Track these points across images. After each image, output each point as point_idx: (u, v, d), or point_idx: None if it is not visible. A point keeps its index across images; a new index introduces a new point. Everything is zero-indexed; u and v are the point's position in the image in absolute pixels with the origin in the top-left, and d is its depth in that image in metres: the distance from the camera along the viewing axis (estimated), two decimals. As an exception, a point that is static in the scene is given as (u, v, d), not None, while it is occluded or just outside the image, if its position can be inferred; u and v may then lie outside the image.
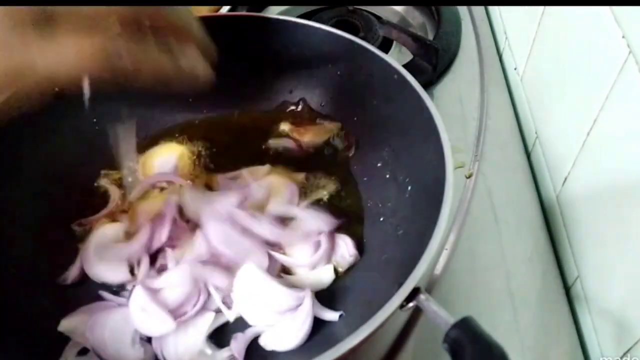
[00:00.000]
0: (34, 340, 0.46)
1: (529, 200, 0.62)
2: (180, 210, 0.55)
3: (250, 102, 0.67)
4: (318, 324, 0.47)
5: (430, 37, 0.82)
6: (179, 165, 0.61)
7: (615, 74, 0.45)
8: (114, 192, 0.58)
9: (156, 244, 0.52)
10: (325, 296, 0.49)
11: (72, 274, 0.52)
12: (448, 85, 0.76)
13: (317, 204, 0.57)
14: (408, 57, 0.77)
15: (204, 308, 0.48)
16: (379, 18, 0.84)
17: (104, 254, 0.52)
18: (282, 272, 0.52)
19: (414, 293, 0.36)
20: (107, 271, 0.51)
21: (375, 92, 0.58)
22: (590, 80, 0.51)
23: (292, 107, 0.66)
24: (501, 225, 0.60)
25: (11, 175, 0.54)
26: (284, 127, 0.64)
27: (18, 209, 0.53)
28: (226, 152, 0.63)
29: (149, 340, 0.47)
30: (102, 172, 0.60)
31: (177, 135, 0.65)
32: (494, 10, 0.87)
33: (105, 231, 0.54)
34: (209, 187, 0.58)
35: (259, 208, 0.55)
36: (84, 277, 0.52)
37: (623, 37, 0.44)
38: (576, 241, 0.55)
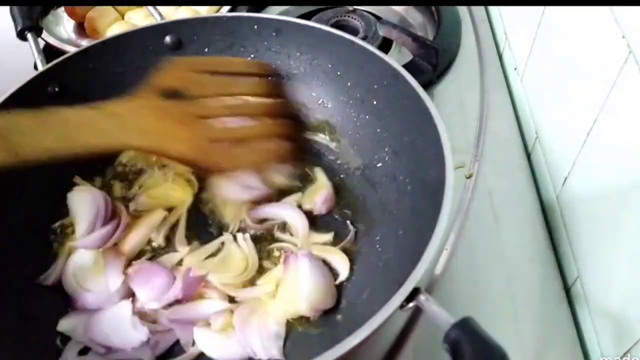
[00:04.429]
0: (33, 340, 0.46)
1: (529, 200, 0.62)
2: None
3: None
4: (319, 323, 0.47)
5: (430, 37, 0.82)
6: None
7: (615, 74, 0.45)
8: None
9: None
10: (325, 296, 0.49)
11: (53, 276, 0.52)
12: (448, 85, 0.76)
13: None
14: (408, 57, 0.77)
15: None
16: (379, 18, 0.84)
17: (83, 283, 0.51)
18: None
19: (414, 293, 0.36)
20: (89, 298, 0.50)
21: (375, 92, 0.58)
22: (590, 80, 0.51)
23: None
24: (501, 226, 0.60)
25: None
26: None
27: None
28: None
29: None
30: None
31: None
32: (494, 10, 0.87)
33: (83, 257, 0.53)
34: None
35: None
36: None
37: (623, 37, 0.44)
38: (576, 241, 0.55)
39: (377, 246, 0.52)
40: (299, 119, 0.56)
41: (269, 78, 0.54)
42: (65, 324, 0.48)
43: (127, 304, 0.49)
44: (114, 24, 0.88)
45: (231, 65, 0.54)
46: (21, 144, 0.39)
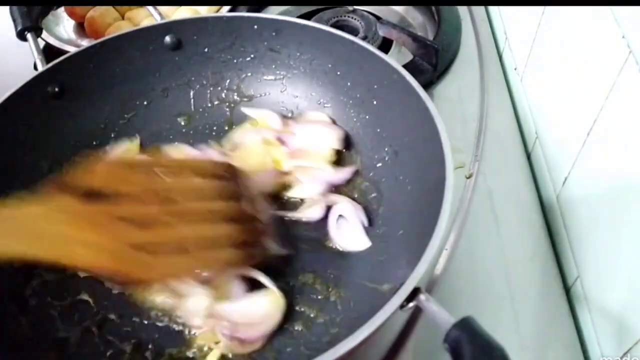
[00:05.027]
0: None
1: (529, 200, 0.62)
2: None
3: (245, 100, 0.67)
4: (319, 323, 0.47)
5: (430, 37, 0.82)
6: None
7: (615, 74, 0.45)
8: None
9: None
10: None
11: None
12: (448, 85, 0.76)
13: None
14: (408, 57, 0.77)
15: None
16: (379, 18, 0.84)
17: None
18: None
19: (414, 293, 0.36)
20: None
21: (375, 92, 0.58)
22: (590, 80, 0.51)
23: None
24: (501, 225, 0.60)
25: None
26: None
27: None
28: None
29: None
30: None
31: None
32: (494, 10, 0.87)
33: None
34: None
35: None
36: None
37: (623, 37, 0.44)
38: (576, 241, 0.55)
39: (378, 246, 0.52)
40: (256, 220, 0.48)
41: (224, 178, 0.47)
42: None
43: None
44: (114, 24, 0.88)
45: (175, 166, 0.45)
46: None
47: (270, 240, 0.49)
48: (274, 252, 0.48)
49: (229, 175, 0.47)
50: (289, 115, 0.66)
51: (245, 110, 0.66)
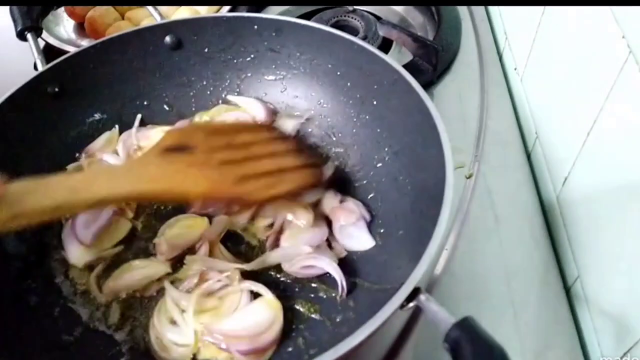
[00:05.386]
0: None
1: (529, 200, 0.62)
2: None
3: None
4: (319, 323, 0.47)
5: (430, 37, 0.82)
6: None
7: (615, 74, 0.45)
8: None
9: None
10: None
11: None
12: (448, 85, 0.76)
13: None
14: (408, 57, 0.77)
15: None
16: (379, 18, 0.84)
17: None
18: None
19: (415, 293, 0.37)
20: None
21: (375, 92, 0.58)
22: (590, 80, 0.51)
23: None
24: (501, 225, 0.60)
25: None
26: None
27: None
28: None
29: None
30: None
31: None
32: (494, 10, 0.87)
33: None
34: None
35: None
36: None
37: (623, 37, 0.44)
38: (576, 241, 0.55)
39: (378, 246, 0.52)
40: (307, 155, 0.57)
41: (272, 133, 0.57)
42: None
43: None
44: (114, 24, 0.88)
45: (242, 130, 0.56)
46: (25, 209, 0.39)
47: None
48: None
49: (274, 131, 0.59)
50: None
51: (231, 97, 0.67)
